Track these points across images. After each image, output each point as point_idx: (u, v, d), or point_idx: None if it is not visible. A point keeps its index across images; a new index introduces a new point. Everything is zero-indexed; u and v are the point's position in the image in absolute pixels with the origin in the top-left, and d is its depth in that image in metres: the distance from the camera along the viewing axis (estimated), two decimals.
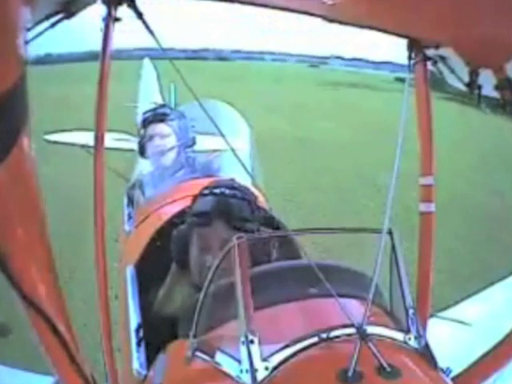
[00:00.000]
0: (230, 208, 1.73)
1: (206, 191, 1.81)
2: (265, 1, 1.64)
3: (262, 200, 2.61)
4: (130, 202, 3.18)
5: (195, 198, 1.86)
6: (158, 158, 2.98)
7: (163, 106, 3.18)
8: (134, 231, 2.70)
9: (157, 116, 2.99)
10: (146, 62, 5.69)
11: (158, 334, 1.69)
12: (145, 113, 3.18)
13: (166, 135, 2.96)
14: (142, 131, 3.08)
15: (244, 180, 2.73)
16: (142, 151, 3.10)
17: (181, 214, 2.35)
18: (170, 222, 2.35)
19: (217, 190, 1.78)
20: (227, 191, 1.78)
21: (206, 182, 2.60)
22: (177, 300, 1.87)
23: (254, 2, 1.50)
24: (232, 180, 1.96)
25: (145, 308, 1.96)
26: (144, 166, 3.42)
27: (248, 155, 3.32)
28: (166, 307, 1.90)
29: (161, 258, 2.03)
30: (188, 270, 1.85)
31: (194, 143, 3.08)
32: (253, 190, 2.35)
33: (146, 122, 3.04)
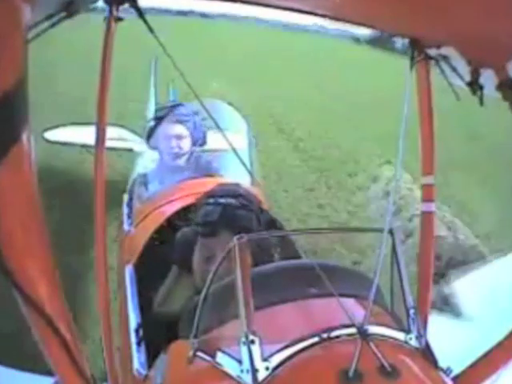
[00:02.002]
0: (235, 219, 1.72)
1: (211, 200, 1.78)
2: (266, 0, 1.64)
3: (261, 199, 2.62)
4: (130, 201, 3.17)
5: (199, 204, 1.84)
6: (173, 160, 2.97)
7: (179, 104, 3.17)
8: (134, 230, 2.70)
9: (175, 116, 2.97)
10: (153, 61, 5.66)
11: (157, 334, 1.69)
12: (159, 109, 3.16)
13: (182, 137, 2.96)
14: (152, 123, 3.07)
15: (243, 179, 2.75)
16: (149, 139, 3.11)
17: (180, 213, 2.35)
18: (169, 221, 2.35)
19: (222, 200, 1.75)
20: (233, 201, 1.75)
21: (205, 181, 2.61)
22: (177, 302, 1.86)
23: (256, 1, 1.50)
24: (237, 185, 1.94)
25: (144, 308, 1.96)
26: (144, 166, 3.42)
27: (247, 154, 3.32)
28: (166, 308, 1.90)
29: (160, 257, 2.03)
30: (189, 273, 1.84)
31: (204, 142, 3.08)
32: (255, 192, 2.35)
33: (161, 119, 3.03)
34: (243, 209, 1.75)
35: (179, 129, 2.95)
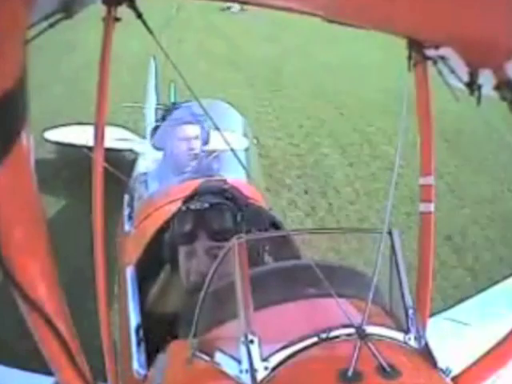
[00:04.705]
0: (210, 224, 1.73)
1: (187, 205, 1.80)
2: (265, 1, 1.64)
3: (259, 198, 2.62)
4: (131, 201, 3.18)
5: (176, 214, 1.86)
6: (190, 161, 2.98)
7: (181, 105, 3.20)
8: (134, 231, 2.70)
9: (188, 117, 2.99)
10: (152, 61, 5.69)
11: (152, 333, 1.70)
12: (166, 110, 3.16)
13: (197, 138, 2.98)
14: (157, 123, 3.06)
15: (243, 179, 2.75)
16: (153, 139, 3.12)
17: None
18: (169, 221, 2.34)
19: (197, 205, 1.76)
20: (213, 200, 1.76)
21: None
22: (170, 301, 1.87)
23: (256, 1, 1.51)
24: (222, 181, 1.97)
25: (144, 308, 1.96)
26: (145, 166, 3.42)
27: (246, 153, 3.33)
28: (159, 307, 1.91)
29: (161, 258, 2.03)
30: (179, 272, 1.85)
31: (208, 142, 3.10)
32: (248, 188, 2.36)
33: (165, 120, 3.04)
34: (221, 208, 1.75)
35: (195, 130, 2.97)
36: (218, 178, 2.49)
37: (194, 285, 1.70)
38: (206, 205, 1.75)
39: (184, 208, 1.80)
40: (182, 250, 1.78)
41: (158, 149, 3.19)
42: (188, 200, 1.83)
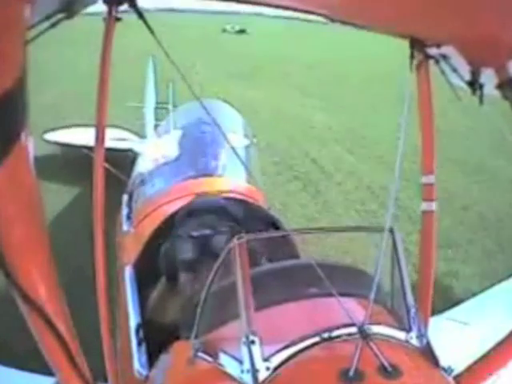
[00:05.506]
0: (209, 250, 1.74)
1: (185, 231, 1.81)
2: (270, 0, 1.64)
3: (259, 198, 2.62)
4: (130, 201, 3.17)
5: (178, 221, 1.89)
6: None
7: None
8: (133, 231, 2.70)
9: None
10: (150, 61, 5.68)
11: (150, 345, 1.69)
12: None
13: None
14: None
15: (241, 178, 2.75)
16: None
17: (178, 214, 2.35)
18: (167, 221, 2.34)
19: (196, 233, 1.77)
20: (206, 231, 1.77)
21: (203, 181, 2.62)
22: (167, 313, 1.87)
23: (262, 1, 1.50)
24: (216, 198, 1.99)
25: (144, 308, 1.96)
26: (144, 166, 3.41)
27: (244, 152, 3.32)
28: (157, 318, 1.90)
29: (159, 257, 2.03)
30: (176, 285, 1.85)
31: None
32: (247, 187, 2.35)
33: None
34: (222, 232, 1.76)
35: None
36: (211, 196, 2.45)
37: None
38: (207, 231, 1.75)
39: (184, 235, 1.80)
40: (184, 277, 1.79)
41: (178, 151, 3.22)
42: (184, 219, 1.83)
